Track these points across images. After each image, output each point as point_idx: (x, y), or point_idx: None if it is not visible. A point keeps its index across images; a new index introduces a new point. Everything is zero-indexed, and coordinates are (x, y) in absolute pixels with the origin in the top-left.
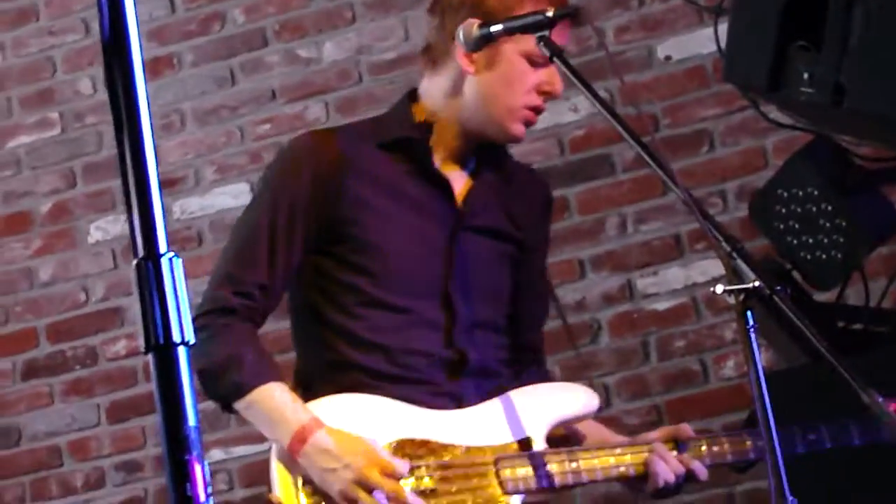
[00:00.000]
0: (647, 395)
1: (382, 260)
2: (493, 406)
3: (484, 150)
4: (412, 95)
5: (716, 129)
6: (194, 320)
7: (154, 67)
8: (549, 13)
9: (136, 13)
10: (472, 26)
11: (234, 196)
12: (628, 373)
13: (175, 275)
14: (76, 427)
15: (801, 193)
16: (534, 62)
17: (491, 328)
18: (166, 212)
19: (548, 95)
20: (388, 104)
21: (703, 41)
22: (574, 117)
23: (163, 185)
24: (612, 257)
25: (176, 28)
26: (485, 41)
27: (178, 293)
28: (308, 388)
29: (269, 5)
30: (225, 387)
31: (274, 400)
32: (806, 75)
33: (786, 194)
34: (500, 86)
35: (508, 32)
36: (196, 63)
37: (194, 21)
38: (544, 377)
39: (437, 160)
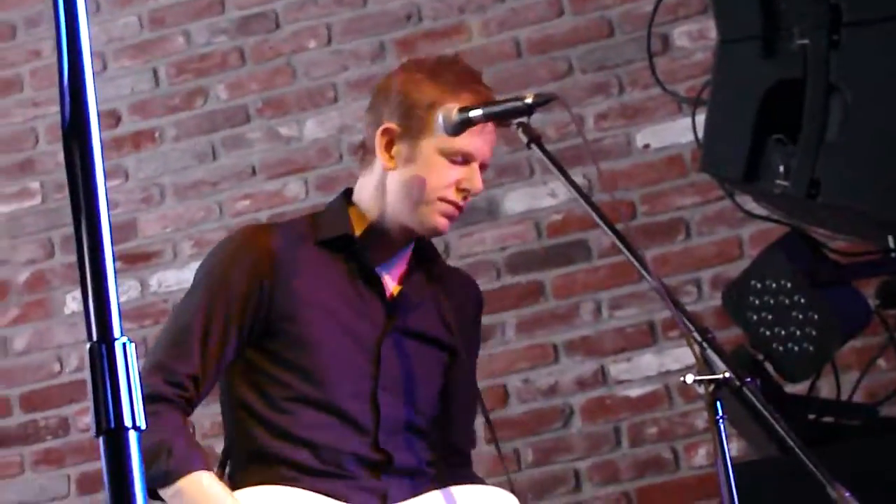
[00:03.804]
0: (617, 482)
1: (314, 357)
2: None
3: (416, 253)
4: (347, 193)
5: (692, 218)
6: None
7: (136, 140)
8: (529, 100)
9: (96, 96)
10: (452, 111)
11: None
12: (599, 458)
13: (128, 360)
14: (46, 497)
15: (774, 285)
16: (452, 159)
17: (417, 431)
18: (144, 285)
19: (466, 193)
20: None
21: (681, 131)
22: (552, 202)
23: (140, 258)
24: (586, 342)
25: (159, 102)
26: (464, 126)
27: (131, 378)
28: (232, 478)
29: (252, 82)
30: (152, 474)
31: (202, 488)
32: (781, 168)
33: (759, 285)
34: (418, 181)
35: (487, 118)
36: (178, 137)
37: (178, 96)
38: (470, 479)
39: (372, 259)
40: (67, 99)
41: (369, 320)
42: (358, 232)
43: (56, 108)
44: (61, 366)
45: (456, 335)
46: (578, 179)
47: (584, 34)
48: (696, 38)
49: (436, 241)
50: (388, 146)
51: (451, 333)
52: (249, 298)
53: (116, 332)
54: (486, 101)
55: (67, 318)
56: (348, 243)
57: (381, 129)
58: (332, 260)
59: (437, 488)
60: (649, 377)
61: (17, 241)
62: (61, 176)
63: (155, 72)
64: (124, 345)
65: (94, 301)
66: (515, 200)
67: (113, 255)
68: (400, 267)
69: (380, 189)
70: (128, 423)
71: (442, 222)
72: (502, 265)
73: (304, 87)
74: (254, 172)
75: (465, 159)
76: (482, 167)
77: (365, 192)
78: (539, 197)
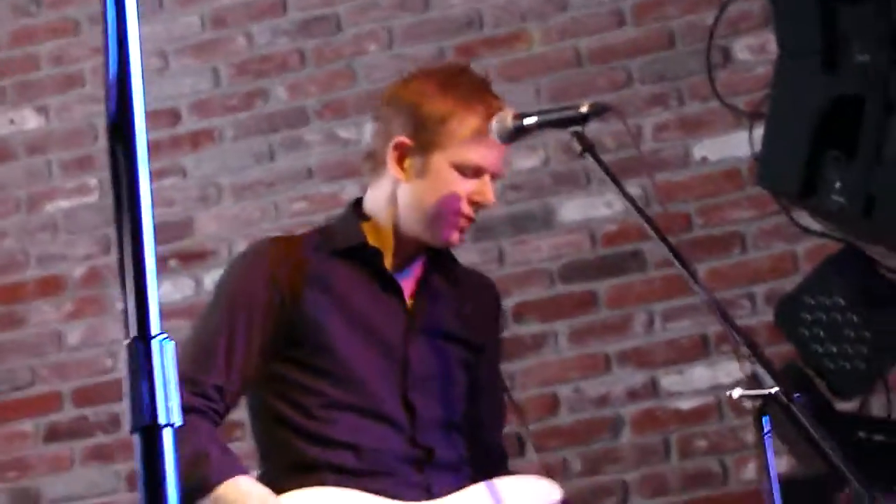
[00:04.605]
0: (666, 494)
1: (342, 362)
2: (464, 497)
3: (431, 255)
4: (357, 203)
5: (748, 231)
6: None
7: (195, 139)
8: (584, 109)
9: (143, 94)
10: (507, 117)
11: None
12: (648, 470)
13: (165, 357)
14: (95, 492)
15: (827, 302)
16: (463, 172)
17: (454, 427)
18: (198, 283)
19: (478, 206)
20: None
21: (739, 144)
22: (607, 212)
23: (196, 256)
24: (638, 353)
25: (219, 102)
26: (518, 133)
27: (167, 375)
28: (272, 489)
29: (311, 84)
30: (191, 484)
31: (241, 492)
32: (838, 184)
33: (812, 302)
34: (429, 194)
35: (541, 126)
36: (236, 137)
37: (237, 96)
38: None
39: (388, 265)
40: (113, 97)
41: (391, 324)
42: (372, 241)
43: None
44: (113, 362)
45: (478, 334)
46: (635, 190)
47: (644, 45)
48: (757, 51)
49: (490, 248)
50: (401, 159)
51: (473, 332)
52: (271, 308)
53: (154, 330)
54: (542, 110)
55: (121, 314)
56: (363, 252)
57: (393, 142)
58: (349, 268)
59: (478, 482)
60: (700, 390)
61: (74, 237)
62: None
63: (216, 71)
64: (161, 343)
65: (135, 299)
66: (571, 209)
67: (154, 255)
68: (416, 272)
69: (392, 201)
70: (163, 420)
71: (454, 235)
72: (556, 274)
73: (364, 90)
74: (311, 174)
75: (476, 172)
76: (494, 178)
77: (376, 202)
78: (595, 206)
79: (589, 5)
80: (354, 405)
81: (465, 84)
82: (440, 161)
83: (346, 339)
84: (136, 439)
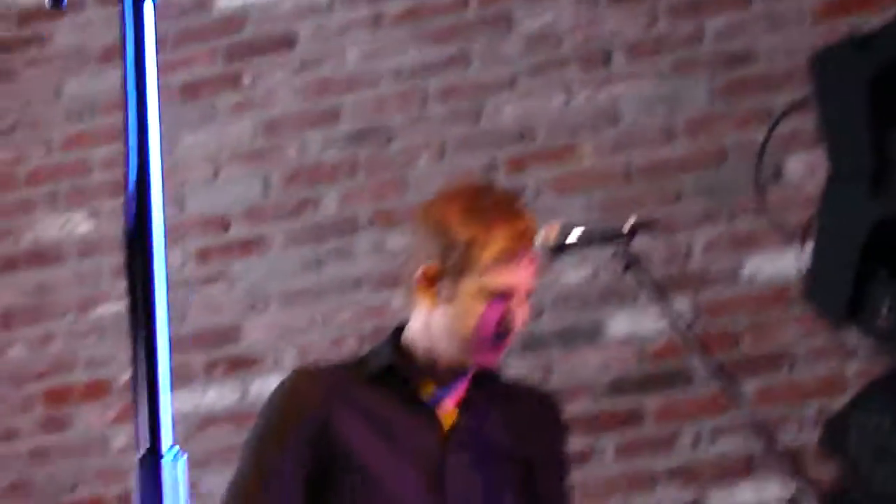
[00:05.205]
0: None
1: (379, 493)
2: None
3: (476, 372)
4: (399, 329)
5: (797, 350)
6: None
7: (245, 247)
8: (626, 226)
9: (163, 207)
10: (550, 234)
11: None
12: None
13: (177, 471)
14: None
15: (875, 422)
16: (493, 296)
17: None
18: (245, 391)
19: (511, 328)
20: None
21: (789, 262)
22: (655, 327)
23: (242, 364)
24: (684, 471)
25: (269, 210)
26: (560, 250)
27: (178, 490)
28: None
29: (362, 194)
30: None
31: None
32: (886, 303)
33: (859, 422)
34: (461, 320)
35: (583, 243)
36: (286, 246)
37: (288, 205)
38: None
39: (423, 387)
40: (132, 210)
41: (426, 447)
42: (409, 365)
43: (169, 211)
44: None
45: (532, 449)
46: (683, 307)
47: (696, 160)
48: (808, 168)
49: (537, 361)
50: (430, 285)
51: (525, 448)
52: (302, 447)
53: (166, 445)
54: (585, 227)
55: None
56: (393, 375)
57: (421, 269)
58: (381, 394)
59: None
60: None
61: (121, 341)
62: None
63: (266, 179)
64: (175, 457)
65: (149, 414)
66: (619, 323)
67: (170, 368)
68: (457, 391)
69: (427, 327)
70: None
71: (490, 358)
72: (603, 388)
73: (414, 200)
74: (359, 285)
75: (506, 295)
76: (527, 295)
77: (413, 327)
78: (642, 321)
79: (640, 120)
80: None
81: (487, 206)
82: (469, 286)
83: (380, 468)
84: None
